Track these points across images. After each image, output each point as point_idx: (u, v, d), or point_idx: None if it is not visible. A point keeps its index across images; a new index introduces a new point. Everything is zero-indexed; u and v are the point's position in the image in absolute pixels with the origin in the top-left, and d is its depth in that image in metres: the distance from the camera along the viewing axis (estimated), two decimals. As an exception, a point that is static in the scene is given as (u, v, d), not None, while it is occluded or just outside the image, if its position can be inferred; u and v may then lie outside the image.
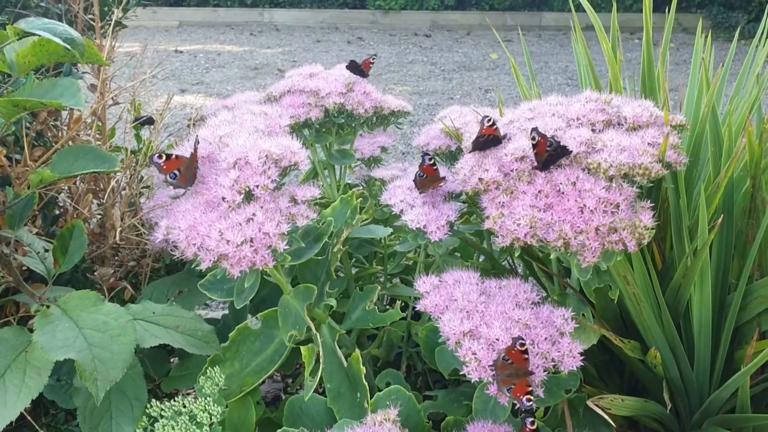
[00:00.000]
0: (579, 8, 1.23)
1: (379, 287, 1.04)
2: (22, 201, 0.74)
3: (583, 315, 0.99)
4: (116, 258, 1.20)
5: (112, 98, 1.26)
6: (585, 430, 0.86)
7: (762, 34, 1.11)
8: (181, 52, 5.71)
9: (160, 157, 0.78)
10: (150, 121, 1.30)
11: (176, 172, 0.77)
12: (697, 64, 1.17)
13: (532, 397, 0.70)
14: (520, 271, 1.30)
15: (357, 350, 0.95)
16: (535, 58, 5.64)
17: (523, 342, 0.72)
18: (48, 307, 0.75)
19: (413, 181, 1.00)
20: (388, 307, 1.53)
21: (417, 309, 0.86)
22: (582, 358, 0.94)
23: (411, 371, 1.37)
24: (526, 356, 0.73)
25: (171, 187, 0.83)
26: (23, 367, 0.75)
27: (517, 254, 0.77)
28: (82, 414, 0.82)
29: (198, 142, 0.78)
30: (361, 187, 1.45)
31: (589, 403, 0.78)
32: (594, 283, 0.91)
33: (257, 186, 0.73)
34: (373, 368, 1.21)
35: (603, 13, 5.99)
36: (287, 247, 0.73)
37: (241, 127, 0.82)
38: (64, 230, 0.82)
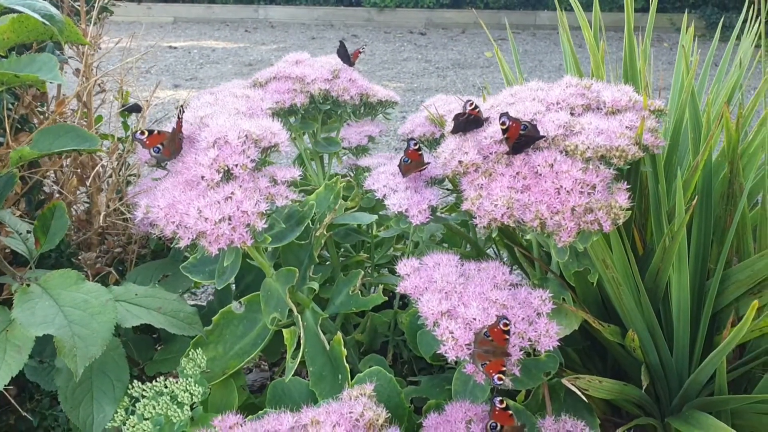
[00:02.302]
0: (569, 7, 1.24)
1: (363, 272, 1.04)
2: (2, 179, 0.74)
3: (563, 300, 1.00)
4: (103, 245, 1.21)
5: (99, 85, 1.27)
6: (563, 413, 0.87)
7: (746, 26, 1.13)
8: (175, 48, 5.70)
9: (142, 133, 0.78)
10: (137, 108, 1.30)
11: (159, 146, 0.78)
12: (680, 55, 1.19)
13: (503, 376, 0.70)
14: (505, 259, 1.31)
15: (339, 333, 0.95)
16: (529, 57, 5.65)
17: (507, 322, 0.73)
18: (28, 285, 0.76)
19: (398, 165, 1.01)
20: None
21: (397, 290, 0.87)
22: (558, 336, 0.95)
23: (397, 360, 1.38)
24: (507, 337, 0.73)
25: (157, 168, 0.83)
26: (3, 345, 0.76)
27: (494, 234, 0.78)
28: (63, 394, 0.82)
29: (182, 111, 0.79)
30: (349, 177, 1.45)
31: (565, 381, 0.79)
32: (573, 267, 0.92)
33: (236, 165, 0.74)
34: (357, 355, 1.21)
35: (590, 13, 6.01)
36: (265, 225, 0.73)
37: (222, 109, 0.83)
38: (45, 210, 0.82)
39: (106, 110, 1.32)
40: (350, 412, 0.63)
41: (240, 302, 1.01)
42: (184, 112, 0.79)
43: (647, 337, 0.98)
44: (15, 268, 0.94)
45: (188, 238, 0.70)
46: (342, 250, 1.46)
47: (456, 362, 0.86)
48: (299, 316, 0.91)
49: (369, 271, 1.44)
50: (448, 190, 1.13)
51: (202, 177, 0.73)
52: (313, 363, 0.96)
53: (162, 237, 1.14)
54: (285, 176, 0.78)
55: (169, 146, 0.78)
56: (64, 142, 0.71)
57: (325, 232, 1.03)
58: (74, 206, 1.16)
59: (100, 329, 0.73)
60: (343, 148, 1.33)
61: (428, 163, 0.95)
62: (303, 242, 1.00)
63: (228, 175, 0.75)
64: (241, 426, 0.65)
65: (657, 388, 1.06)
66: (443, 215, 1.13)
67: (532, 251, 1.01)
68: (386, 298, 1.02)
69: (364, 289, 1.38)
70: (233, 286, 1.21)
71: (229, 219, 0.71)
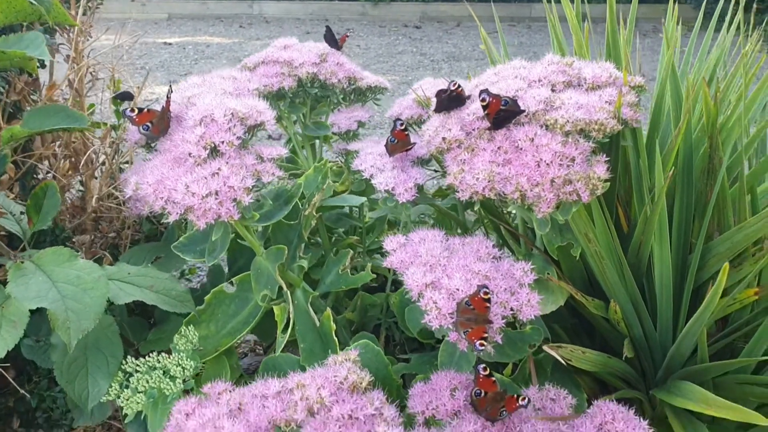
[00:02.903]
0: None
1: (352, 252, 1.06)
2: (-5, 159, 0.76)
3: (548, 274, 1.02)
4: (97, 230, 1.22)
5: (90, 74, 1.28)
6: (548, 382, 0.89)
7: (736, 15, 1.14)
8: (170, 44, 5.71)
9: (132, 110, 0.80)
10: (128, 96, 1.31)
11: (149, 124, 0.79)
12: (664, 36, 1.20)
13: (485, 342, 0.72)
14: (493, 241, 1.33)
15: (329, 309, 0.97)
16: (524, 49, 5.65)
17: (487, 290, 0.75)
18: (22, 262, 0.77)
19: (384, 145, 1.03)
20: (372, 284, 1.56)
21: (384, 265, 0.89)
22: (544, 310, 0.97)
23: (390, 342, 1.40)
24: (488, 305, 0.75)
25: (147, 151, 0.85)
26: (-1, 321, 0.78)
27: (477, 207, 0.80)
28: (59, 368, 0.84)
29: (171, 91, 0.80)
30: (339, 162, 1.47)
31: (546, 348, 0.81)
32: (557, 241, 0.94)
33: (222, 142, 0.75)
34: (348, 334, 1.23)
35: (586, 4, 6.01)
36: (252, 200, 0.75)
37: (209, 90, 0.84)
38: (37, 189, 0.84)
39: (97, 98, 1.33)
40: (335, 376, 0.65)
41: (232, 282, 1.03)
42: (172, 91, 0.81)
43: (631, 311, 1.00)
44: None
45: (176, 213, 0.72)
46: (335, 236, 1.48)
47: (443, 338, 0.88)
48: (289, 293, 0.93)
49: (361, 256, 1.46)
50: (435, 171, 1.15)
51: (190, 154, 0.75)
52: (304, 340, 0.98)
53: (153, 219, 1.16)
54: (271, 154, 0.80)
55: (158, 125, 0.80)
56: (54, 121, 0.72)
57: (314, 213, 1.05)
58: (69, 192, 1.18)
59: (92, 303, 0.75)
60: (333, 133, 1.34)
61: (414, 143, 0.97)
62: (292, 222, 1.02)
63: (215, 152, 0.77)
64: (230, 392, 0.67)
65: (642, 362, 1.08)
66: (430, 197, 1.15)
67: (518, 230, 1.03)
68: (374, 275, 1.05)
69: (355, 272, 1.40)
70: (225, 269, 1.23)
71: (216, 194, 0.72)
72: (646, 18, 6.73)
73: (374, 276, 1.04)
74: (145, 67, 4.55)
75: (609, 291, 1.00)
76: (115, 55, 1.30)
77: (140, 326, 1.15)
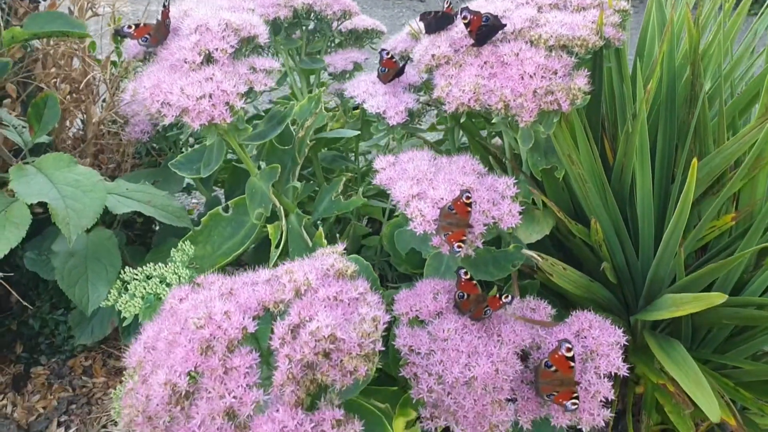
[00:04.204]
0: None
1: (344, 179, 1.09)
2: (-1, 65, 0.79)
3: (533, 202, 1.05)
4: (96, 160, 1.26)
5: (91, 9, 1.30)
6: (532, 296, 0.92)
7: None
8: None
9: (129, 27, 0.83)
10: (128, 33, 1.33)
11: (147, 35, 0.82)
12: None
13: (462, 245, 0.76)
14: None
15: (321, 229, 1.01)
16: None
17: (469, 195, 0.78)
18: (25, 164, 0.81)
19: (377, 75, 1.05)
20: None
21: (373, 183, 0.92)
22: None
23: (383, 281, 1.44)
24: (469, 209, 0.78)
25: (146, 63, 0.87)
26: (3, 222, 0.81)
27: (462, 119, 0.83)
28: (60, 273, 0.88)
29: (168, 2, 0.83)
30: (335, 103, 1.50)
31: (526, 252, 0.84)
32: (541, 164, 0.97)
33: (216, 49, 0.78)
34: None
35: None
36: (244, 105, 0.78)
37: (205, 4, 0.87)
38: (38, 99, 0.87)
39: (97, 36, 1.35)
40: (322, 264, 0.69)
41: (228, 205, 1.07)
42: (169, 2, 0.84)
43: (613, 236, 1.04)
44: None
45: (172, 116, 0.75)
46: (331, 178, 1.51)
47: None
48: (283, 212, 0.96)
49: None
50: (428, 104, 1.17)
51: (185, 60, 0.78)
52: (297, 260, 1.01)
53: (153, 151, 1.19)
54: (264, 65, 0.83)
55: (155, 34, 0.83)
56: (54, 25, 0.75)
57: (308, 141, 1.08)
58: (69, 121, 1.20)
59: (91, 204, 0.78)
60: (329, 74, 1.37)
61: (404, 65, 1.00)
62: (286, 147, 1.05)
63: (209, 60, 0.80)
64: (222, 281, 0.71)
65: (624, 291, 1.12)
66: (423, 129, 1.17)
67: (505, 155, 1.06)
68: (365, 200, 1.08)
69: (351, 216, 1.44)
70: (222, 200, 1.27)
71: (210, 96, 0.75)
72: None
73: (365, 201, 1.07)
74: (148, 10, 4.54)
75: (592, 215, 1.03)
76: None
77: (139, 253, 1.19)
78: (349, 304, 0.66)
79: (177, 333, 0.65)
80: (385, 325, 0.65)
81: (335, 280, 0.67)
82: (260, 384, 0.62)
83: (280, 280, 0.67)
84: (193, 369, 0.62)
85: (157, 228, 1.31)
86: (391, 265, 1.46)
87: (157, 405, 0.62)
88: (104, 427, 1.19)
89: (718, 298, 0.72)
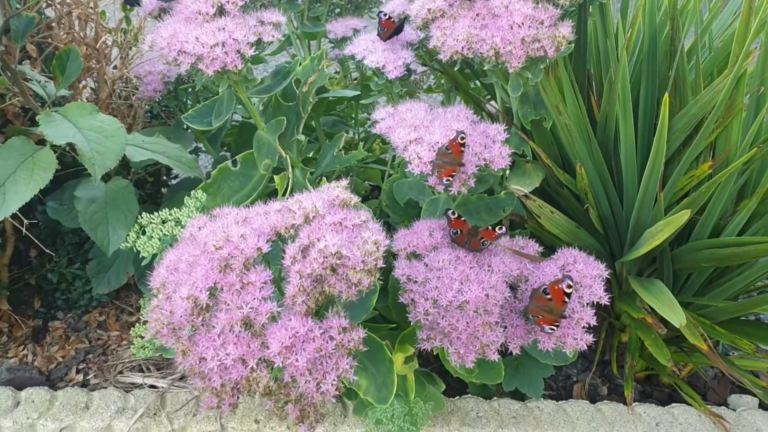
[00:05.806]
0: None
1: (345, 134, 1.16)
2: (24, 20, 0.85)
3: (523, 154, 1.11)
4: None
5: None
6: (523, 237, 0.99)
7: None
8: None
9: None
10: (137, 1, 1.39)
11: None
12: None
13: (451, 179, 0.82)
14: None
15: (324, 179, 1.07)
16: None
17: (464, 135, 0.85)
18: (52, 112, 0.87)
19: (377, 34, 1.11)
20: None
21: (373, 132, 0.98)
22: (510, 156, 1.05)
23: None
24: (463, 149, 0.85)
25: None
26: (31, 167, 0.88)
27: (456, 68, 0.89)
28: (83, 217, 0.94)
29: None
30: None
31: (513, 187, 0.91)
32: (531, 115, 1.04)
33: (228, 2, 0.85)
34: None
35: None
36: (254, 53, 0.84)
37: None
38: (61, 51, 0.93)
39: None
40: (328, 195, 0.75)
41: (236, 159, 1.13)
42: None
43: (598, 185, 1.10)
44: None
45: (187, 63, 0.82)
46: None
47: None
48: (287, 160, 1.02)
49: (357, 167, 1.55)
50: (425, 65, 1.23)
51: (199, 12, 0.84)
52: (302, 209, 1.08)
53: (162, 113, 1.25)
54: (271, 18, 0.89)
55: None
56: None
57: (311, 99, 1.14)
58: (85, 86, 1.26)
59: (114, 147, 0.85)
60: (330, 40, 1.43)
61: (403, 22, 1.06)
62: (290, 103, 1.11)
63: (221, 12, 0.86)
64: (237, 212, 0.77)
65: (610, 240, 1.19)
66: (421, 86, 1.23)
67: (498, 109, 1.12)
68: (366, 153, 1.14)
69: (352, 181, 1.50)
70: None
71: (223, 44, 0.82)
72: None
73: (367, 154, 1.14)
74: None
75: (578, 162, 1.10)
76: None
77: (150, 212, 1.26)
78: (353, 229, 0.72)
79: (197, 255, 0.72)
80: (385, 248, 0.72)
81: (340, 209, 0.74)
82: (273, 298, 0.69)
83: (290, 209, 0.73)
84: (212, 285, 0.69)
85: (168, 187, 1.38)
86: (390, 226, 1.53)
87: (181, 317, 0.68)
88: (120, 373, 1.26)
89: (684, 215, 0.79)
